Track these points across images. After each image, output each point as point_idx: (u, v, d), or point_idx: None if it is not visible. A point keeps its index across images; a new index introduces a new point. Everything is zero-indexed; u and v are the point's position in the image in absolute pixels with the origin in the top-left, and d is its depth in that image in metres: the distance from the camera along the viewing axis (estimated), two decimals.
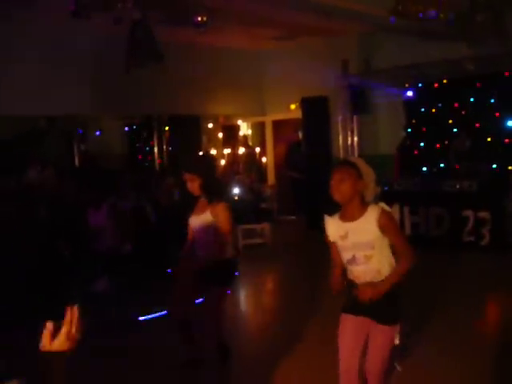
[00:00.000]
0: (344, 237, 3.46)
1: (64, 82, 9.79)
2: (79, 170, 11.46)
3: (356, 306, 3.49)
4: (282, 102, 12.91)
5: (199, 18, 8.30)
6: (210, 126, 13.08)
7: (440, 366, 4.96)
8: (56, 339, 1.86)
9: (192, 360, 5.08)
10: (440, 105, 11.00)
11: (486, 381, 4.68)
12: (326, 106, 11.94)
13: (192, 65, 11.55)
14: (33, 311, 5.79)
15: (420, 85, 11.21)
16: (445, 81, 10.87)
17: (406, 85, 11.26)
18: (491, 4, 8.61)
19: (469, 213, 9.38)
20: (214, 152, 12.60)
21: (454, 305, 6.64)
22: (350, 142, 11.65)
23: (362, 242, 3.40)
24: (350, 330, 3.52)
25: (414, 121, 11.38)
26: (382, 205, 3.47)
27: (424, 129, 11.24)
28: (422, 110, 11.22)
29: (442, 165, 10.87)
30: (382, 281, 3.39)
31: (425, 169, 11.07)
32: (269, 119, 13.76)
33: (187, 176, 4.89)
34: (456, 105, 10.77)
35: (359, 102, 11.39)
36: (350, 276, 3.52)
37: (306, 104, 12.04)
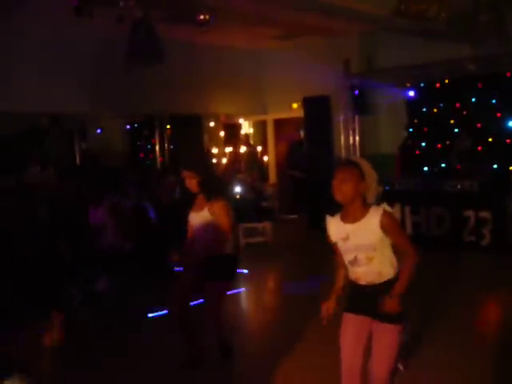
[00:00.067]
0: (345, 238, 3.44)
1: (65, 80, 9.80)
2: (80, 169, 11.45)
3: (357, 305, 3.50)
4: (283, 101, 12.91)
5: (201, 17, 8.31)
6: (212, 124, 13.06)
7: (440, 365, 4.96)
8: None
9: (192, 360, 5.08)
10: (441, 105, 10.98)
11: (487, 380, 4.68)
12: (328, 106, 11.94)
13: (193, 64, 11.56)
14: (32, 311, 5.79)
15: (422, 85, 11.19)
16: (446, 81, 10.85)
17: (408, 85, 11.25)
18: (494, 4, 8.61)
19: (470, 213, 9.38)
20: (215, 151, 12.59)
21: (455, 305, 6.64)
22: (351, 141, 11.65)
23: (363, 244, 3.39)
24: (352, 329, 3.51)
25: (415, 121, 11.37)
26: (384, 206, 3.45)
27: (425, 129, 11.23)
28: (424, 109, 11.20)
29: (443, 165, 10.86)
30: (397, 288, 3.36)
31: (426, 169, 11.06)
32: (270, 118, 13.76)
33: (185, 173, 4.93)
34: (457, 105, 10.75)
35: (361, 102, 11.39)
36: (352, 277, 3.51)
37: (308, 103, 12.04)
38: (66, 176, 9.31)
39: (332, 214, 3.55)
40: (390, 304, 3.36)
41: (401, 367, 4.60)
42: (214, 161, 12.14)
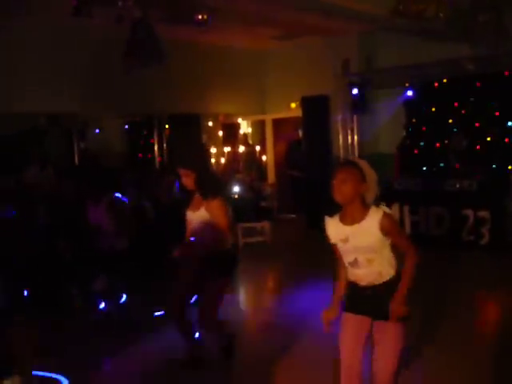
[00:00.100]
0: (345, 240, 3.41)
1: (65, 80, 9.80)
2: (79, 168, 11.44)
3: (357, 306, 3.49)
4: (282, 101, 12.92)
5: (200, 17, 8.31)
6: (210, 124, 13.06)
7: (440, 365, 4.97)
8: None
9: (192, 360, 5.08)
10: (440, 104, 11.00)
11: (486, 380, 4.68)
12: (327, 105, 11.94)
13: (192, 63, 11.56)
14: (32, 310, 5.80)
15: (420, 84, 11.20)
16: (445, 80, 10.88)
17: (407, 84, 11.26)
18: (493, 4, 8.63)
19: (469, 212, 9.39)
20: (214, 150, 12.59)
21: (454, 304, 6.65)
22: (350, 141, 11.67)
23: (363, 246, 3.37)
24: (351, 329, 3.51)
25: (414, 120, 11.39)
26: (384, 207, 3.42)
27: (424, 128, 11.25)
28: (422, 109, 11.22)
29: (441, 164, 10.87)
30: (400, 290, 3.35)
31: (425, 168, 11.07)
32: (269, 117, 13.76)
33: (182, 171, 4.90)
34: (456, 104, 10.77)
35: (359, 102, 11.40)
36: (352, 278, 3.50)
37: (307, 103, 12.04)
38: (65, 176, 9.31)
39: (331, 214, 3.52)
40: (397, 308, 3.34)
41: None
42: (213, 160, 12.14)
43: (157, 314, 6.52)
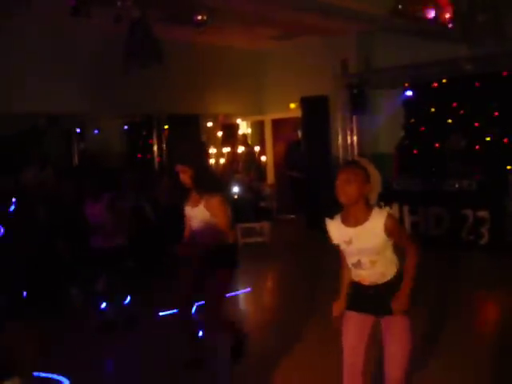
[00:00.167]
0: (348, 242, 3.38)
1: (64, 80, 9.80)
2: (79, 169, 11.44)
3: (360, 304, 3.49)
4: (281, 101, 12.92)
5: (199, 17, 8.30)
6: (210, 124, 13.06)
7: (440, 365, 4.96)
8: None
9: (195, 360, 5.06)
10: (439, 104, 11.00)
11: (486, 380, 4.68)
12: (326, 106, 11.94)
13: (191, 63, 11.56)
14: (32, 311, 5.79)
15: (419, 84, 11.21)
16: (444, 80, 10.88)
17: (405, 84, 11.27)
18: (491, 5, 8.63)
19: (468, 212, 9.40)
20: (213, 151, 12.59)
21: (454, 304, 6.66)
22: (349, 141, 11.68)
23: (367, 248, 3.35)
24: (354, 327, 3.50)
25: (413, 120, 11.39)
26: (387, 209, 3.39)
27: (423, 128, 11.25)
28: (421, 109, 11.23)
29: (441, 164, 10.87)
30: (404, 288, 3.35)
31: (424, 168, 11.07)
32: (268, 118, 13.76)
33: (179, 167, 4.87)
34: (455, 104, 10.77)
35: (358, 102, 11.41)
36: (355, 279, 3.50)
37: (306, 103, 12.04)
38: (65, 176, 9.31)
39: (330, 215, 3.49)
40: (399, 305, 3.34)
41: None
42: (212, 161, 12.14)
43: (162, 313, 6.52)
